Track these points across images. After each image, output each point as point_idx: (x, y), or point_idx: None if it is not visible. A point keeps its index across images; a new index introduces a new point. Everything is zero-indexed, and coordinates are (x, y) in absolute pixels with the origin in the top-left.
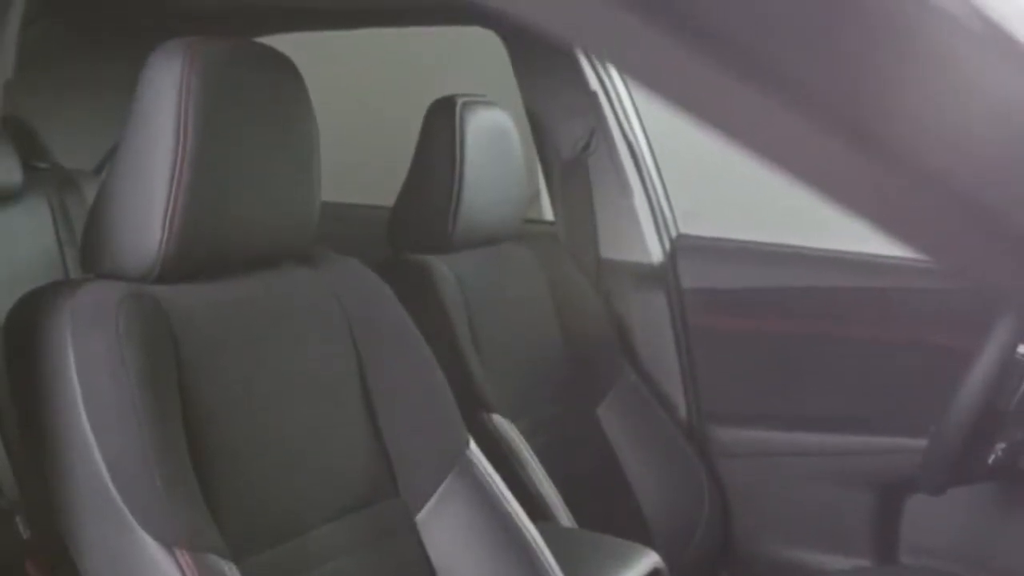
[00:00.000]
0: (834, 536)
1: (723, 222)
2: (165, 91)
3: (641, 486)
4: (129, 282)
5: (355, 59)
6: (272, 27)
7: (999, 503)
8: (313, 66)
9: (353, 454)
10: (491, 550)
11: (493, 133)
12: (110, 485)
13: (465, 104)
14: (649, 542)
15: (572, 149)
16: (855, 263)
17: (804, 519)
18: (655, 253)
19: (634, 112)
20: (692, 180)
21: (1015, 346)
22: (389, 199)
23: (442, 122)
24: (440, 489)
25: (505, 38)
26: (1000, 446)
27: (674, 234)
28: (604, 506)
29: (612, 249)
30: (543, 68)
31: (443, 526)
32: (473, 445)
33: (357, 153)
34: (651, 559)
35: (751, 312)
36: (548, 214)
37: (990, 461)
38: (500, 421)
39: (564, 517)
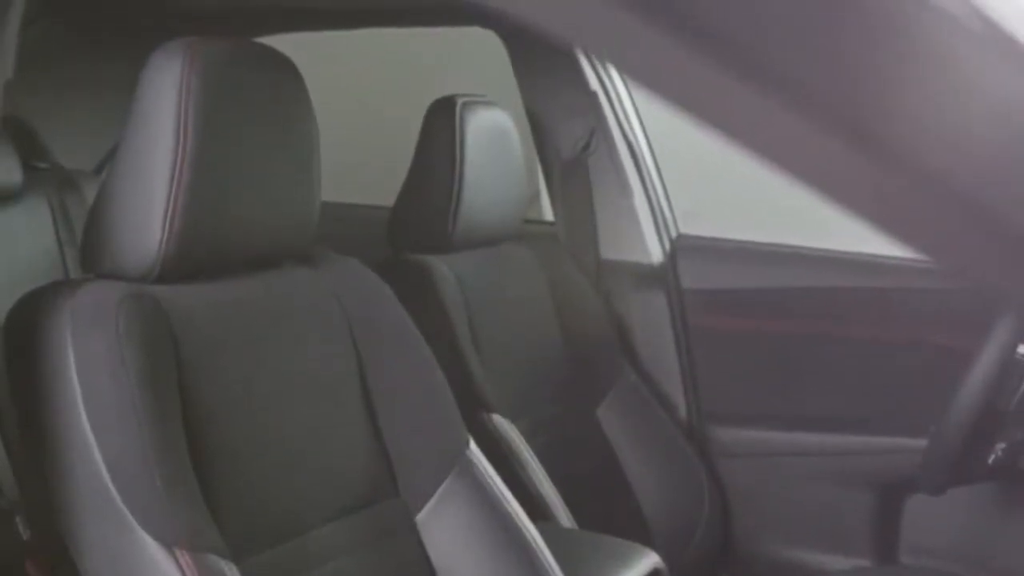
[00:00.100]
0: (834, 536)
1: (723, 222)
2: (165, 91)
3: (641, 486)
4: (129, 282)
5: (355, 59)
6: (272, 27)
7: (999, 503)
8: (313, 66)
9: (353, 454)
10: (491, 550)
11: (493, 133)
12: (110, 485)
13: (465, 104)
14: (649, 542)
15: (572, 149)
16: (855, 263)
17: (804, 519)
18: (655, 253)
19: (634, 112)
20: (692, 180)
21: (1015, 346)
22: (389, 199)
23: (442, 122)
24: (440, 489)
25: (505, 38)
26: (1000, 446)
27: (674, 234)
28: (604, 506)
29: (612, 249)
30: (543, 68)
31: (443, 526)
32: (473, 445)
33: (357, 153)
34: (651, 559)
35: (751, 312)
36: (548, 214)
37: (990, 461)
38: (500, 421)
39: (564, 517)
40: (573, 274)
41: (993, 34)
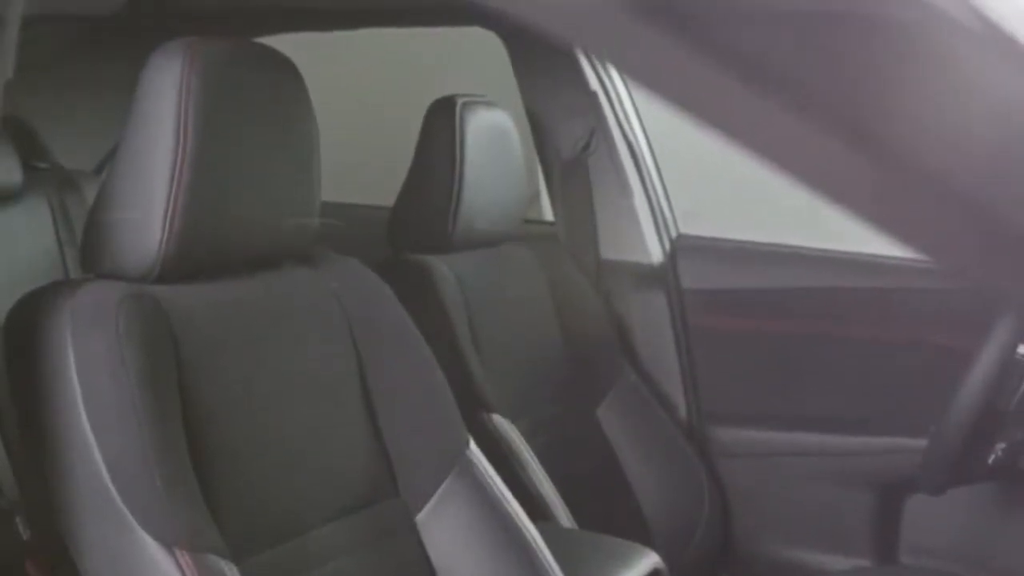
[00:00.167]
0: (834, 536)
1: (723, 222)
2: (165, 91)
3: (641, 486)
4: (129, 282)
5: (355, 59)
6: (272, 27)
7: (999, 503)
8: (313, 66)
9: (353, 454)
10: (491, 550)
11: (493, 133)
12: (110, 485)
13: (465, 104)
14: (649, 542)
15: (572, 149)
16: (855, 263)
17: (804, 519)
18: (655, 253)
19: (634, 112)
20: (692, 180)
21: (1015, 346)
22: (389, 199)
23: (442, 122)
24: (440, 489)
25: (505, 38)
26: (1000, 446)
27: (674, 234)
28: (604, 506)
29: (612, 249)
30: (543, 68)
31: (443, 526)
32: (473, 445)
33: (357, 153)
34: (651, 559)
35: (751, 312)
36: (548, 214)
37: (990, 461)
38: (500, 421)
39: (564, 517)
40: (573, 274)
41: (993, 34)
